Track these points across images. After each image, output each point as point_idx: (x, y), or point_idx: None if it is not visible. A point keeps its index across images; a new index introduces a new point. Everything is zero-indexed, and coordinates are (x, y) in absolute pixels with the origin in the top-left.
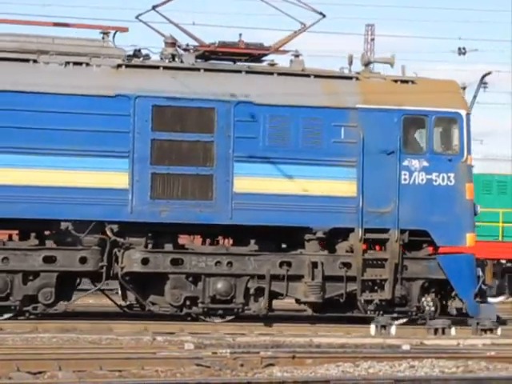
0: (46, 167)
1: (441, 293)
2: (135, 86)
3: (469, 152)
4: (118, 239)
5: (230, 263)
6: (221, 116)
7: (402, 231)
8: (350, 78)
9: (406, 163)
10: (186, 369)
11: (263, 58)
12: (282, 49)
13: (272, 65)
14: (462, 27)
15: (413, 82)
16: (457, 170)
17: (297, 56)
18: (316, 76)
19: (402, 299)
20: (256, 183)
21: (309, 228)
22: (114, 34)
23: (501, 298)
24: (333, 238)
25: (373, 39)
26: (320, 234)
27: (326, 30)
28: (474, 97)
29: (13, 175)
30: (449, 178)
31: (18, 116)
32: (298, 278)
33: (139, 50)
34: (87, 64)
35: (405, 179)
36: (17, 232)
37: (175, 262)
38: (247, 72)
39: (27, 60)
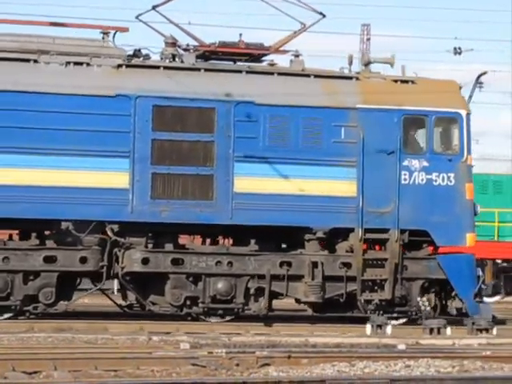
0: (47, 167)
1: (441, 293)
2: (136, 86)
3: (469, 152)
4: (119, 239)
5: (230, 263)
6: (221, 116)
7: (402, 231)
8: (350, 78)
9: (406, 163)
10: (181, 368)
11: (263, 58)
12: (282, 49)
13: (272, 65)
14: (457, 27)
15: (413, 82)
16: (457, 169)
17: (297, 56)
18: (316, 76)
19: (402, 299)
20: (256, 183)
21: (309, 228)
22: (114, 34)
23: (496, 298)
24: (333, 238)
25: (368, 39)
26: (320, 234)
27: (324, 29)
28: (470, 96)
29: (13, 175)
30: (449, 177)
31: (19, 116)
32: (298, 277)
33: (139, 50)
34: (88, 64)
35: (405, 179)
36: (17, 232)
37: (175, 262)
38: (247, 72)
39: (28, 60)
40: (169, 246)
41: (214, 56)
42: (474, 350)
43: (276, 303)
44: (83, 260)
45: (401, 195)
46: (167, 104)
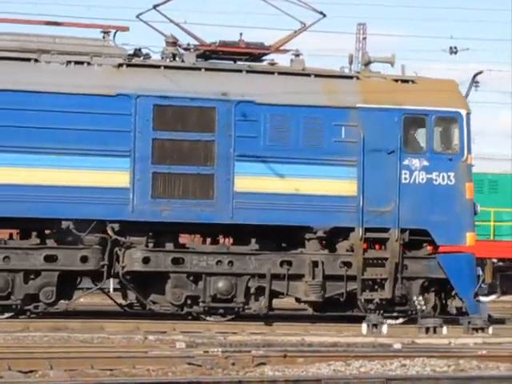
0: (47, 166)
1: (441, 292)
2: (136, 85)
3: (469, 151)
4: (119, 238)
5: (230, 262)
6: (221, 115)
7: (403, 230)
8: (351, 77)
9: (406, 162)
10: (177, 368)
11: (263, 58)
12: (282, 48)
13: (272, 64)
14: (453, 26)
15: (413, 81)
16: (457, 169)
17: (297, 55)
18: (316, 75)
19: (402, 298)
20: (257, 182)
21: (309, 227)
22: (115, 33)
23: (492, 297)
24: (333, 238)
25: (364, 38)
26: (320, 234)
27: (324, 29)
28: (466, 96)
29: (14, 174)
30: (449, 177)
31: (19, 115)
32: (298, 277)
33: (140, 50)
34: (88, 63)
35: (405, 178)
36: (17, 231)
37: (176, 261)
38: (248, 71)
39: (28, 59)
40: (169, 246)
41: (215, 55)
42: (469, 349)
43: (276, 302)
44: (84, 259)
45: (401, 194)
46: (168, 103)
